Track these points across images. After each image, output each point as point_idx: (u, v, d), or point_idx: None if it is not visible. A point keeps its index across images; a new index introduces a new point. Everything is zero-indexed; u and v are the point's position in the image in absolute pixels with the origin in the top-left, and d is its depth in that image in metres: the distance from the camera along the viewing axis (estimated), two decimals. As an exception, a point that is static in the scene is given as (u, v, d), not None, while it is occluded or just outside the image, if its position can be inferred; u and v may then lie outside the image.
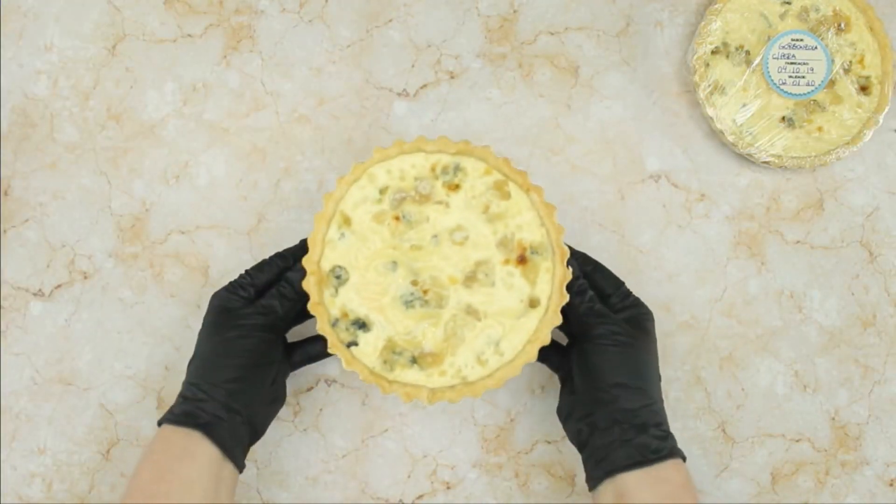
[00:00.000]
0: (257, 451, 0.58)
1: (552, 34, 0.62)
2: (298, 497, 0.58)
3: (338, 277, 0.49)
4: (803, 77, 0.59)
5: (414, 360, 0.50)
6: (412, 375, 0.49)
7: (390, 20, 0.62)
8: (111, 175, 0.61)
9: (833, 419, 0.61)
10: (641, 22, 0.63)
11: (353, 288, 0.50)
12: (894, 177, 0.62)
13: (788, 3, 0.60)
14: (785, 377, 0.61)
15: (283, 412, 0.58)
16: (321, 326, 0.49)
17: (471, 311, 0.50)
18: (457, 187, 0.50)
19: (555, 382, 0.61)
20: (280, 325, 0.51)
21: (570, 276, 0.50)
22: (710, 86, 0.59)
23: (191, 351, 0.52)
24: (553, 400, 0.59)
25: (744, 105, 0.59)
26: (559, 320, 0.50)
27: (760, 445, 0.60)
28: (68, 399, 0.59)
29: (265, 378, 0.50)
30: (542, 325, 0.50)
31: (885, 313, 0.61)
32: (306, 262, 0.49)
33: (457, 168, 0.50)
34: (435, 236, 0.50)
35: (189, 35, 0.62)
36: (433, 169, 0.50)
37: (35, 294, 0.60)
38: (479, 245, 0.50)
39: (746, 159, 0.61)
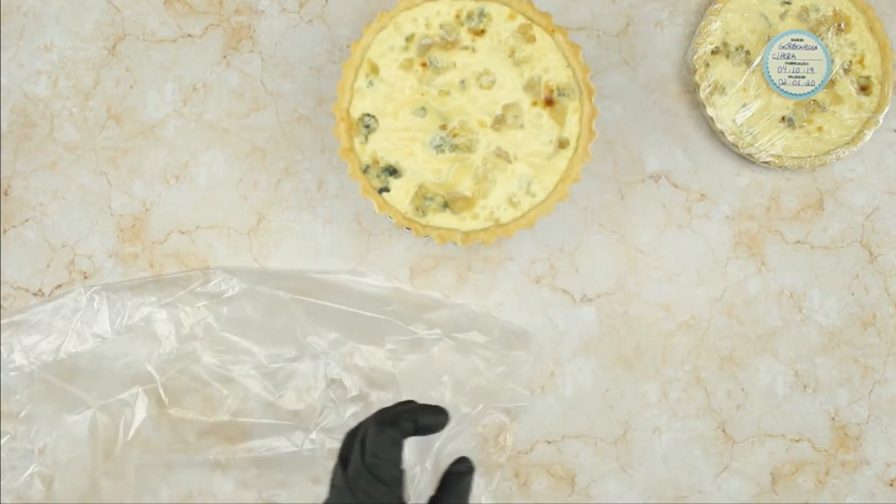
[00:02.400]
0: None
1: (552, 34, 0.62)
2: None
3: (367, 126, 0.50)
4: (803, 77, 0.59)
5: (446, 205, 0.50)
6: (445, 219, 0.50)
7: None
8: (111, 175, 0.61)
9: (833, 419, 0.61)
10: (641, 22, 0.63)
11: (382, 135, 0.50)
12: (894, 177, 0.62)
13: (788, 3, 0.60)
14: (785, 377, 0.61)
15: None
16: (352, 172, 0.50)
17: (501, 154, 0.50)
18: (482, 32, 0.50)
19: (554, 382, 0.61)
20: None
21: (598, 114, 0.51)
22: (710, 86, 0.59)
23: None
24: (553, 400, 0.59)
25: (744, 105, 0.59)
26: (588, 157, 0.51)
27: (760, 445, 0.60)
28: None
29: None
30: (572, 163, 0.50)
31: (885, 313, 0.61)
32: (336, 109, 0.50)
33: (481, 14, 0.50)
34: (462, 81, 0.50)
35: (189, 35, 0.62)
36: (458, 15, 0.50)
37: (35, 294, 0.60)
38: (506, 88, 0.50)
39: (746, 159, 0.61)
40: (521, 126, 0.50)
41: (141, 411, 0.59)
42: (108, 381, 0.59)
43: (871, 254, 0.62)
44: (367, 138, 0.50)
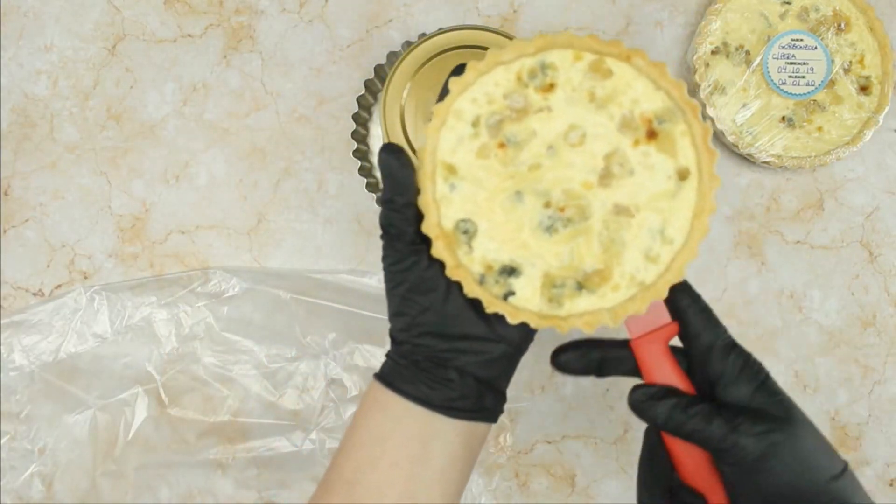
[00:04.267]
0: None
1: (552, 34, 0.62)
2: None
3: (465, 232, 0.43)
4: (803, 77, 0.59)
5: (580, 286, 0.43)
6: (584, 302, 0.43)
7: (390, 20, 0.62)
8: (111, 175, 0.61)
9: (833, 419, 0.61)
10: (641, 22, 0.63)
11: (485, 236, 0.43)
12: (894, 177, 0.62)
13: (788, 3, 0.60)
14: (785, 377, 0.61)
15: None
16: (469, 289, 0.43)
17: (620, 210, 0.43)
18: (552, 87, 0.43)
19: (554, 382, 0.61)
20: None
21: (711, 130, 0.43)
22: (710, 86, 0.59)
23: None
24: (553, 400, 0.59)
25: (744, 105, 0.59)
26: (718, 181, 0.43)
27: (760, 445, 0.60)
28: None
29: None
30: (702, 193, 0.43)
31: (885, 313, 0.61)
32: (426, 228, 0.43)
33: (544, 66, 0.43)
34: (550, 147, 0.43)
35: (189, 35, 0.62)
36: (519, 78, 0.43)
37: (35, 294, 0.60)
38: (599, 137, 0.43)
39: (746, 159, 0.61)
40: (631, 172, 0.43)
41: (141, 411, 0.59)
42: (108, 382, 0.59)
43: (871, 254, 0.62)
44: (470, 246, 0.43)
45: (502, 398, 0.44)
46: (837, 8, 0.60)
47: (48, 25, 0.62)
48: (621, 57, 0.43)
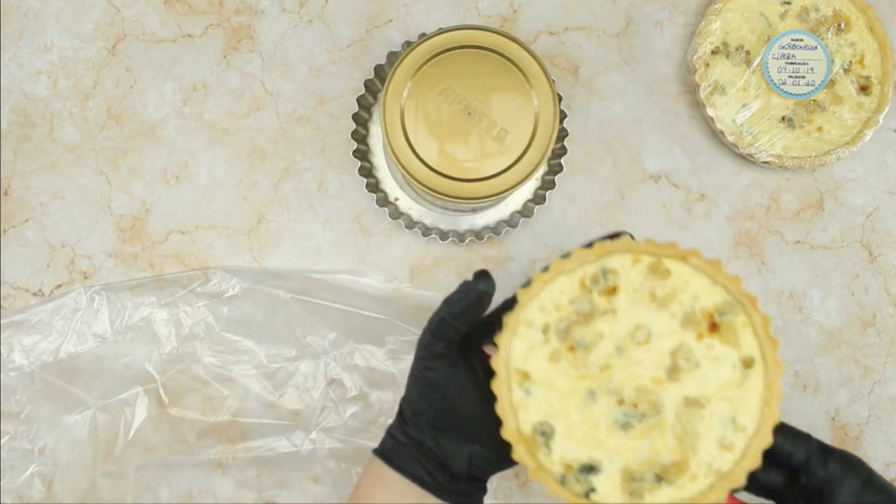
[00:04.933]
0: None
1: (552, 34, 0.62)
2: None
3: (543, 434, 0.45)
4: (803, 77, 0.59)
5: (659, 478, 0.45)
6: (664, 494, 0.45)
7: (390, 20, 0.62)
8: (111, 175, 0.61)
9: (833, 419, 0.61)
10: (641, 22, 0.63)
11: (563, 437, 0.45)
12: (894, 177, 0.62)
13: (788, 3, 0.60)
14: (785, 377, 0.61)
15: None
16: (552, 490, 0.45)
17: (691, 403, 0.45)
18: (614, 290, 0.46)
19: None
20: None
21: (770, 320, 0.45)
22: (710, 86, 0.59)
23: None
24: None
25: (744, 105, 0.59)
26: (781, 368, 0.45)
27: (760, 445, 0.60)
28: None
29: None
30: (769, 380, 0.45)
31: (885, 313, 0.61)
32: (507, 434, 0.45)
33: (605, 272, 0.46)
34: (617, 348, 0.45)
35: (189, 35, 0.62)
36: (583, 284, 0.46)
37: (35, 294, 0.60)
38: (664, 334, 0.45)
39: (746, 159, 0.61)
40: (698, 365, 0.45)
41: (141, 411, 0.59)
42: (109, 381, 0.59)
43: (871, 254, 0.62)
44: (549, 448, 0.45)
45: (484, 491, 0.49)
46: (837, 8, 0.60)
47: (48, 25, 0.62)
48: (678, 257, 0.45)
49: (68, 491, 0.58)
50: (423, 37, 0.53)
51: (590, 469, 0.45)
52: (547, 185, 0.60)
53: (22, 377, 0.59)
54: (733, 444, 0.44)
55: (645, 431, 0.45)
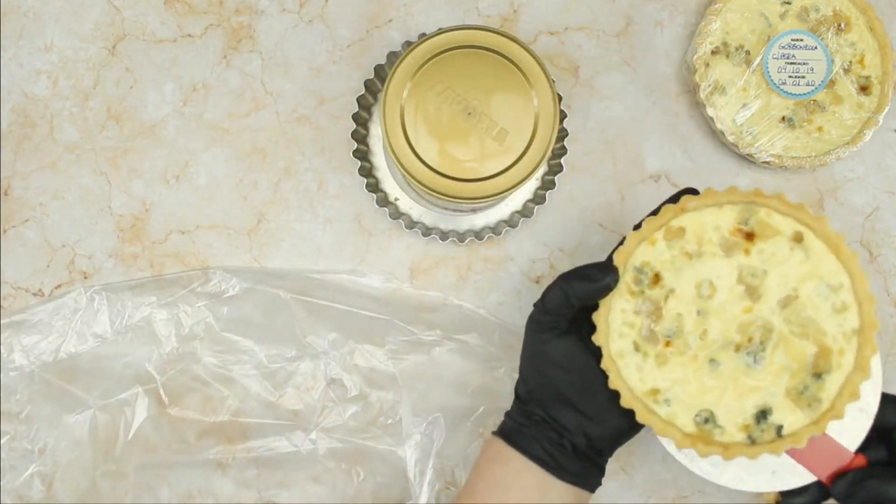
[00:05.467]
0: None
1: (552, 34, 0.62)
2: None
3: (707, 421, 0.45)
4: (803, 77, 0.59)
5: (817, 375, 0.45)
6: (833, 381, 0.44)
7: (390, 20, 0.62)
8: (111, 175, 0.61)
9: (833, 419, 0.61)
10: (641, 22, 0.63)
11: (724, 410, 0.45)
12: (894, 177, 0.62)
13: (788, 3, 0.60)
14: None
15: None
16: (746, 452, 0.44)
17: (787, 302, 0.45)
18: (657, 277, 0.46)
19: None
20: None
21: (781, 196, 0.46)
22: (710, 86, 0.59)
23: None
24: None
25: (744, 105, 0.59)
26: (824, 219, 0.45)
27: (760, 445, 0.60)
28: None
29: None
30: (823, 234, 0.45)
31: (885, 313, 0.61)
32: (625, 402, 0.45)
33: (639, 270, 0.46)
34: (699, 312, 0.45)
35: (189, 35, 0.62)
36: (631, 291, 0.46)
37: (35, 294, 0.60)
38: (722, 274, 0.45)
39: (746, 159, 0.61)
40: (765, 272, 0.45)
41: (141, 411, 0.59)
42: (108, 382, 0.59)
43: (871, 254, 0.62)
44: (719, 426, 0.45)
45: (602, 473, 0.49)
46: (837, 8, 0.60)
47: (48, 25, 0.62)
48: (679, 213, 0.46)
49: (68, 491, 0.58)
50: (423, 37, 0.53)
51: (763, 414, 0.44)
52: (547, 185, 0.60)
53: (22, 377, 0.59)
54: (844, 303, 0.44)
55: (775, 352, 0.44)
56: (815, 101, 0.59)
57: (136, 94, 0.61)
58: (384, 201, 0.60)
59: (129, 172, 0.61)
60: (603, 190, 0.61)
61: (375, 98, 0.61)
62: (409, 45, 0.55)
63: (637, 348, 0.46)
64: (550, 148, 0.52)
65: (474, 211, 0.60)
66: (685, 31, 0.63)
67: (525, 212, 0.60)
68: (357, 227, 0.61)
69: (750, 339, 0.45)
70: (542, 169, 0.60)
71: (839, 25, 0.59)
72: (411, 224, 0.60)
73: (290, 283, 0.60)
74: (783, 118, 0.59)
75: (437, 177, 0.52)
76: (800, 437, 0.44)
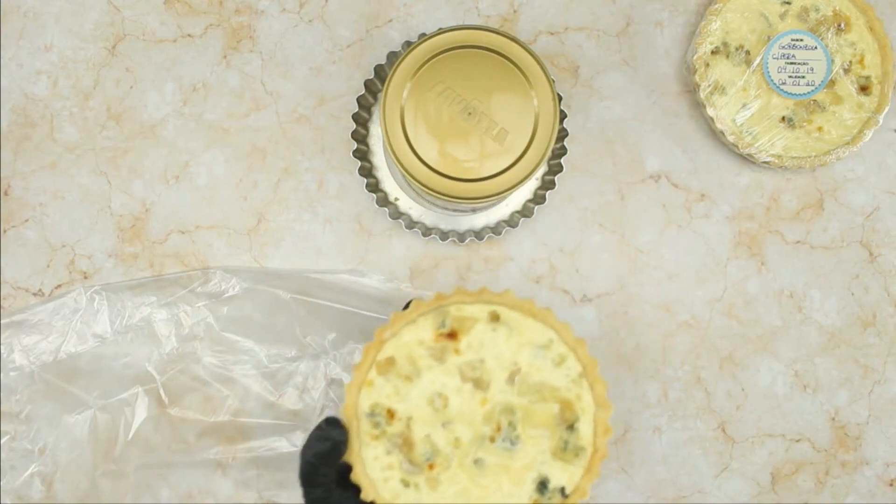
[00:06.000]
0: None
1: (552, 34, 0.62)
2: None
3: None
4: (803, 77, 0.59)
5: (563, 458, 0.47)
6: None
7: (390, 20, 0.62)
8: (111, 175, 0.61)
9: (833, 419, 0.61)
10: (641, 22, 0.63)
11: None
12: (894, 177, 0.62)
13: (788, 3, 0.60)
14: (785, 377, 0.61)
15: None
16: None
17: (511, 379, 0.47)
18: (392, 414, 0.47)
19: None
20: None
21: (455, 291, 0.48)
22: (710, 86, 0.59)
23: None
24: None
25: (744, 105, 0.59)
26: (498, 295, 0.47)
27: (760, 445, 0.60)
28: (68, 399, 0.59)
29: None
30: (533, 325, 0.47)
31: (885, 313, 0.61)
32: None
33: (373, 414, 0.47)
34: (444, 424, 0.46)
35: (189, 35, 0.62)
36: (374, 436, 0.47)
37: (35, 294, 0.60)
38: (437, 383, 0.47)
39: (746, 159, 0.61)
40: (482, 360, 0.47)
41: (141, 411, 0.59)
42: (109, 382, 0.59)
43: (871, 254, 0.62)
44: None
45: None
46: (837, 8, 0.60)
47: (48, 25, 0.62)
48: (377, 346, 0.47)
49: (68, 491, 0.58)
50: (423, 37, 0.53)
51: (543, 485, 0.46)
52: (547, 185, 0.60)
53: (22, 377, 0.59)
54: (560, 355, 0.46)
55: (526, 427, 0.46)
56: (815, 101, 0.59)
57: (136, 94, 0.61)
58: (384, 201, 0.60)
59: (129, 172, 0.61)
60: (603, 190, 0.61)
61: (375, 98, 0.61)
62: (409, 45, 0.55)
63: (406, 484, 0.46)
64: (550, 148, 0.52)
65: (474, 211, 0.60)
66: (685, 31, 0.63)
67: (525, 212, 0.60)
68: (357, 227, 0.61)
69: (499, 427, 0.46)
70: (542, 169, 0.60)
71: (839, 25, 0.59)
72: (411, 224, 0.60)
73: (290, 283, 0.60)
74: (783, 118, 0.59)
75: (437, 177, 0.52)
76: (584, 489, 0.46)
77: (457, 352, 0.46)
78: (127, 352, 0.59)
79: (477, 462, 0.46)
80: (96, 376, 0.59)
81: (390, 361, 0.46)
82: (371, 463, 0.46)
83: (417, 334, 0.46)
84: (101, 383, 0.59)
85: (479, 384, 0.46)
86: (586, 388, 0.46)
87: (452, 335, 0.46)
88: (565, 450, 0.46)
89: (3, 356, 0.59)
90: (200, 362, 0.59)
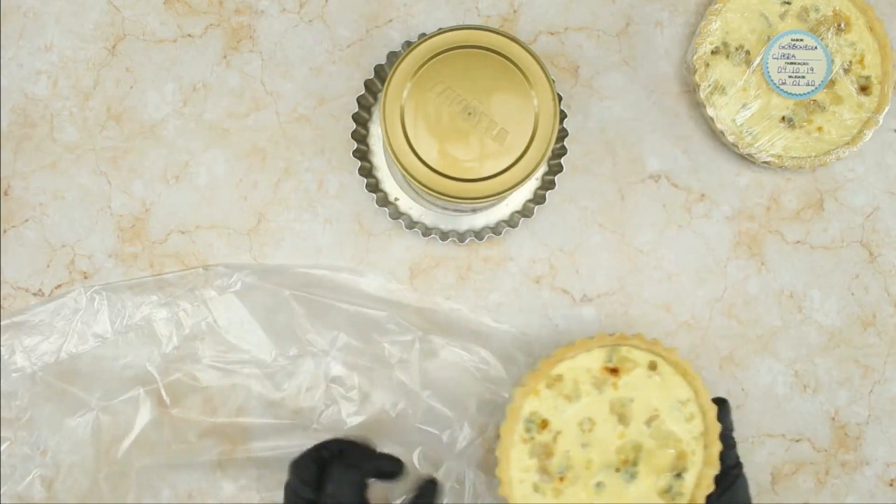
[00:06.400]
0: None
1: (552, 34, 0.62)
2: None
3: None
4: (803, 77, 0.59)
5: (679, 475, 0.53)
6: (691, 476, 0.53)
7: (390, 20, 0.62)
8: (111, 175, 0.61)
9: (833, 419, 0.61)
10: (641, 22, 0.63)
11: None
12: (894, 177, 0.62)
13: (788, 3, 0.60)
14: (785, 377, 0.61)
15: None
16: None
17: (651, 420, 0.53)
18: (545, 422, 0.53)
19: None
20: None
21: (639, 336, 0.53)
22: (710, 86, 0.59)
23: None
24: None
25: (744, 105, 0.59)
26: (658, 342, 0.53)
27: (760, 445, 0.61)
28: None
29: None
30: (672, 361, 0.53)
31: (885, 313, 0.62)
32: None
33: (528, 420, 0.53)
34: (583, 445, 0.53)
35: (189, 35, 0.62)
36: (524, 440, 0.53)
37: (35, 294, 0.60)
38: (594, 408, 0.53)
39: (746, 159, 0.61)
40: (631, 399, 0.53)
41: (143, 412, 0.59)
42: (110, 382, 0.59)
43: (871, 254, 0.62)
44: None
45: None
46: (837, 8, 0.60)
47: (48, 25, 0.62)
48: (554, 363, 0.53)
49: (69, 492, 0.58)
50: (423, 37, 0.53)
51: None
52: (547, 185, 0.60)
53: (24, 379, 0.59)
54: (692, 413, 0.53)
55: (646, 465, 0.52)
56: (815, 101, 0.59)
57: (136, 94, 0.61)
58: (384, 201, 0.60)
59: (129, 172, 0.61)
60: (603, 190, 0.61)
61: (375, 98, 0.61)
62: (409, 45, 0.55)
63: (536, 489, 0.52)
64: (550, 148, 0.52)
65: (474, 211, 0.60)
66: (685, 31, 0.63)
67: (525, 212, 0.60)
68: (357, 227, 0.61)
69: (625, 461, 0.52)
70: (542, 169, 0.60)
71: (839, 25, 0.59)
72: (411, 224, 0.60)
73: (291, 280, 0.60)
74: (783, 118, 0.59)
75: (437, 177, 0.52)
76: None
77: (615, 386, 0.53)
78: (127, 352, 0.59)
79: (598, 485, 0.52)
80: (97, 377, 0.59)
81: (559, 378, 0.53)
82: (515, 462, 0.52)
83: (589, 362, 0.53)
84: (103, 384, 0.59)
85: (623, 419, 0.52)
86: (702, 446, 0.52)
87: (615, 371, 0.53)
88: (668, 491, 0.52)
89: (4, 358, 0.59)
90: (201, 362, 0.59)
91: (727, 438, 0.53)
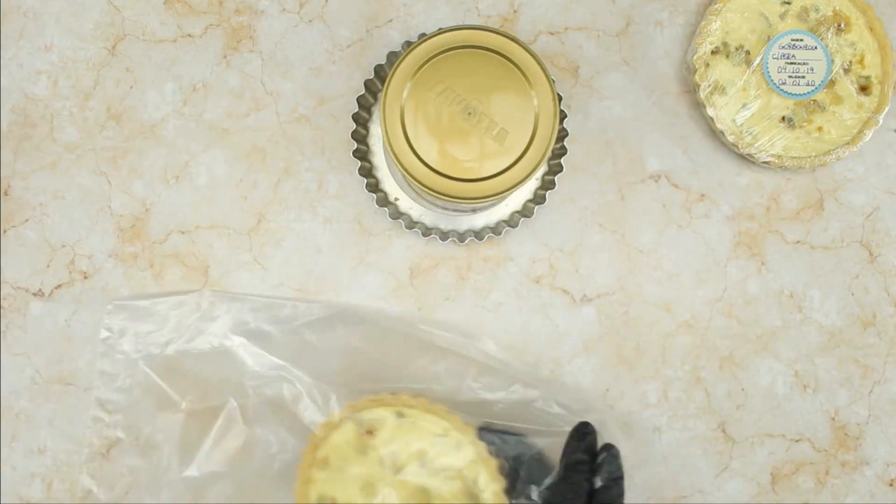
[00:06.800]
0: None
1: (552, 34, 0.62)
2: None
3: None
4: (803, 77, 0.59)
5: None
6: None
7: (390, 20, 0.62)
8: (111, 175, 0.61)
9: (833, 419, 0.61)
10: (641, 22, 0.63)
11: None
12: (894, 177, 0.62)
13: (788, 3, 0.60)
14: (785, 377, 0.61)
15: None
16: None
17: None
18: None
19: (555, 382, 0.60)
20: None
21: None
22: (710, 86, 0.59)
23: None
24: (553, 400, 0.59)
25: (744, 105, 0.59)
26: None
27: (760, 445, 0.61)
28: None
29: None
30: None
31: (885, 313, 0.62)
32: None
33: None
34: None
35: (189, 35, 0.62)
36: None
37: (35, 294, 0.60)
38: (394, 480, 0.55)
39: (746, 159, 0.61)
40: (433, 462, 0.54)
41: (227, 424, 0.57)
42: (205, 388, 0.58)
43: (871, 254, 0.62)
44: None
45: None
46: (837, 8, 0.60)
47: (48, 25, 0.62)
48: (314, 448, 0.55)
49: (69, 492, 0.58)
50: (423, 37, 0.53)
51: None
52: (547, 185, 0.60)
53: (127, 363, 0.58)
54: (458, 441, 0.54)
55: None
56: (815, 101, 0.59)
57: (136, 94, 0.61)
58: (384, 201, 0.60)
59: (129, 172, 0.61)
60: (603, 190, 0.61)
61: (375, 98, 0.61)
62: (409, 45, 0.55)
63: None
64: (550, 148, 0.52)
65: (474, 211, 0.60)
66: (685, 31, 0.63)
67: (525, 212, 0.60)
68: (357, 227, 0.61)
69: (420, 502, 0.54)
70: (542, 169, 0.60)
71: (839, 25, 0.59)
72: (411, 224, 0.60)
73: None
74: (783, 118, 0.59)
75: (437, 177, 0.52)
76: None
77: (374, 447, 0.55)
78: (228, 363, 0.58)
79: None
80: (193, 380, 0.58)
81: (325, 460, 0.54)
82: None
83: (344, 436, 0.55)
84: (197, 389, 0.58)
85: (398, 469, 0.54)
86: (484, 469, 0.54)
87: (370, 432, 0.55)
88: None
89: (115, 338, 0.58)
90: (286, 386, 0.58)
91: (618, 480, 0.52)
